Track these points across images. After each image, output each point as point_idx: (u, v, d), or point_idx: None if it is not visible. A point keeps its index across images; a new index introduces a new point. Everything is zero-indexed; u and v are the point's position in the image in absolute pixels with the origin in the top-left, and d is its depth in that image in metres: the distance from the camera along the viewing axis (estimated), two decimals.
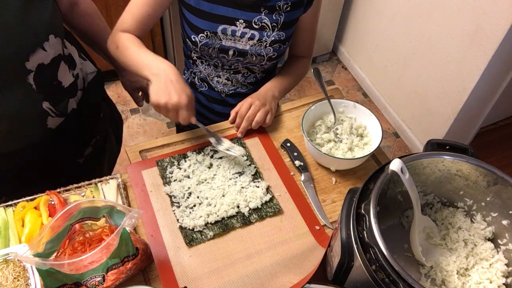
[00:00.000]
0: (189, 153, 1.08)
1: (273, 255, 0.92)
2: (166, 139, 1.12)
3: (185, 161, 1.06)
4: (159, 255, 0.90)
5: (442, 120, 2.19)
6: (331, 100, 1.12)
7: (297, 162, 1.08)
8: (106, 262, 0.77)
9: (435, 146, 0.84)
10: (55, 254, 0.78)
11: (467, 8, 1.85)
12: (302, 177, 1.06)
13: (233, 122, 1.14)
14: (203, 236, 0.93)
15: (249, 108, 1.11)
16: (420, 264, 0.84)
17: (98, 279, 0.78)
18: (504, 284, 0.80)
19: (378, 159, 1.13)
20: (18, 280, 0.80)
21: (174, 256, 0.90)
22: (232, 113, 1.13)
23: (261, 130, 1.15)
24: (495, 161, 2.40)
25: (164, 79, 0.94)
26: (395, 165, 0.72)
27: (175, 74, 0.95)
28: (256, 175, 1.05)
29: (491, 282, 0.80)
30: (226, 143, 1.04)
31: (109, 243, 0.75)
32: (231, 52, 1.11)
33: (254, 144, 1.12)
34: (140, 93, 1.41)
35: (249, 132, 1.14)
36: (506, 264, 0.81)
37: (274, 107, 1.15)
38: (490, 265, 0.82)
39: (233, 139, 1.12)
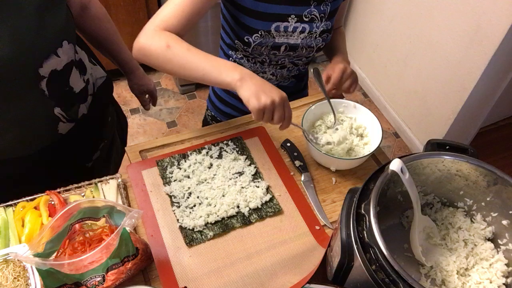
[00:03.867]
0: (189, 153, 1.08)
1: (273, 255, 0.92)
2: (166, 139, 1.12)
3: (185, 161, 1.06)
4: (159, 255, 0.90)
5: (442, 120, 2.19)
6: (331, 100, 1.12)
7: (297, 162, 1.08)
8: (106, 262, 0.77)
9: (435, 146, 0.84)
10: (55, 254, 0.78)
11: (467, 8, 1.85)
12: (302, 177, 1.06)
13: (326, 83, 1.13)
14: (203, 236, 0.93)
15: (342, 73, 1.11)
16: (420, 264, 0.84)
17: (98, 279, 0.78)
18: (504, 284, 0.79)
19: (378, 159, 1.13)
20: (18, 280, 0.80)
21: (174, 256, 0.90)
22: (324, 76, 1.13)
23: (261, 130, 1.15)
24: (495, 161, 2.40)
25: (252, 82, 0.89)
26: (395, 165, 0.72)
27: (255, 74, 0.92)
28: (256, 175, 1.05)
29: (491, 282, 0.80)
30: (323, 138, 1.06)
31: (109, 243, 0.75)
32: (282, 48, 1.13)
33: (254, 144, 1.12)
34: (147, 97, 1.41)
35: (249, 132, 1.14)
36: (506, 264, 0.81)
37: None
38: (490, 265, 0.82)
39: (234, 138, 1.12)
